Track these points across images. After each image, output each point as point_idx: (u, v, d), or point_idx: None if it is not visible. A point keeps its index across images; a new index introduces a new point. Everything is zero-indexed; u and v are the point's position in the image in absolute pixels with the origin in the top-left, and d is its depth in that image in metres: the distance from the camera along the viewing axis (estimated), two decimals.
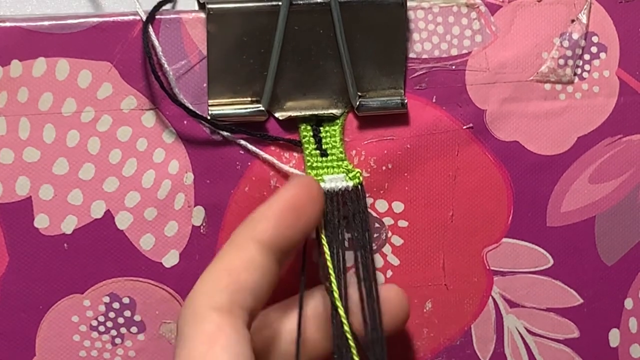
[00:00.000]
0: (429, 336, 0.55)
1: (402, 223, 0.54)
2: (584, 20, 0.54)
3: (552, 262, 0.56)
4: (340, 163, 0.52)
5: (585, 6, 0.54)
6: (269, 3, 0.50)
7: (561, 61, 0.54)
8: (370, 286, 0.50)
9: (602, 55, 0.55)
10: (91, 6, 0.52)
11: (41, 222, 0.50)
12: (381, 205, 0.54)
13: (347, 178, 0.52)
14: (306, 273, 0.52)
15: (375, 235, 0.54)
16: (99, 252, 0.51)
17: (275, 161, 0.52)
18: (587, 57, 0.55)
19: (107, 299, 0.51)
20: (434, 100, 0.53)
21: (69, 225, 0.50)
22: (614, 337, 0.57)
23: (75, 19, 0.49)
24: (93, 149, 0.50)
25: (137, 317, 0.52)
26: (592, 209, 0.56)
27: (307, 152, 0.52)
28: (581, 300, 0.56)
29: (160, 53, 0.50)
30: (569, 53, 0.54)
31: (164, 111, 0.51)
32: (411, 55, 0.53)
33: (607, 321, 0.57)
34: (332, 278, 0.49)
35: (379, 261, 0.54)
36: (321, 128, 0.52)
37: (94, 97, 0.50)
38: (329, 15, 0.51)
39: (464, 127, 0.54)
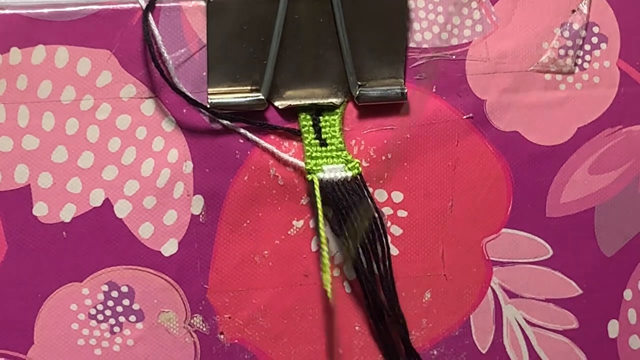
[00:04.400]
0: (428, 326, 0.55)
1: (402, 213, 0.54)
2: (585, 11, 0.54)
3: (551, 252, 0.56)
4: (339, 153, 0.52)
5: None
6: None
7: (562, 51, 0.54)
8: (386, 270, 0.52)
9: (603, 45, 0.55)
10: None
11: (40, 210, 0.50)
12: (380, 195, 0.54)
13: (346, 168, 0.52)
14: (305, 261, 0.53)
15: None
16: (97, 240, 0.51)
17: (275, 150, 0.52)
18: (587, 47, 0.55)
19: (105, 288, 0.51)
20: (434, 90, 0.53)
21: (67, 213, 0.50)
22: (613, 328, 0.57)
23: (74, 7, 0.49)
24: (92, 137, 0.50)
25: (135, 306, 0.52)
26: (591, 200, 0.56)
27: (306, 141, 0.52)
28: (580, 291, 0.56)
29: (160, 41, 0.49)
30: (569, 43, 0.54)
31: (164, 100, 0.50)
32: (411, 44, 0.53)
33: (606, 312, 0.57)
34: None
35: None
36: (321, 117, 0.52)
37: (94, 85, 0.50)
38: (329, 4, 0.51)
39: (464, 117, 0.54)
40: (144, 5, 0.49)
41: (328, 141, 0.52)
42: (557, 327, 0.56)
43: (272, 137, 0.52)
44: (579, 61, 0.55)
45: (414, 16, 0.53)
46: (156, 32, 0.49)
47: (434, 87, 0.53)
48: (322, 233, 0.50)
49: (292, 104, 0.52)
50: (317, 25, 0.51)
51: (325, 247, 0.50)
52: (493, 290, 0.56)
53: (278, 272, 0.53)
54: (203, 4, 0.50)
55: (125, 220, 0.51)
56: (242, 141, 0.52)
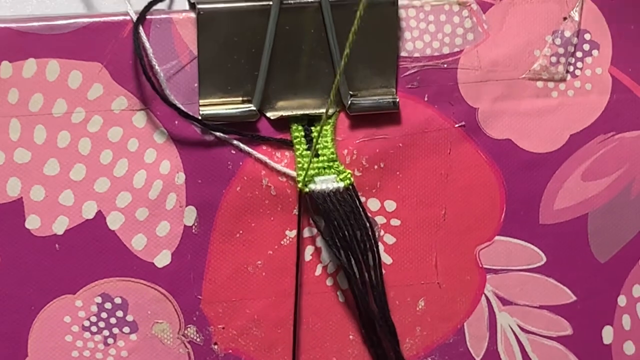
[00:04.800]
0: (422, 334, 0.55)
1: (395, 222, 0.54)
2: (576, 18, 0.54)
3: (545, 259, 0.56)
4: (331, 164, 0.52)
5: (578, 3, 0.54)
6: (260, 3, 0.50)
7: (553, 59, 0.54)
8: (377, 280, 0.52)
9: (595, 52, 0.55)
10: (88, 8, 0.52)
11: (32, 223, 0.50)
12: (373, 204, 0.54)
13: (338, 179, 0.52)
14: (299, 271, 0.53)
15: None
16: (90, 252, 0.51)
17: (267, 160, 0.52)
18: (579, 54, 0.55)
19: (99, 299, 0.51)
20: (425, 99, 0.53)
21: (60, 226, 0.50)
22: (607, 334, 0.57)
23: (65, 20, 0.49)
24: (84, 149, 0.50)
25: (129, 317, 0.52)
26: (584, 207, 0.56)
27: (297, 153, 0.52)
28: (574, 298, 0.56)
29: (151, 53, 0.49)
30: (561, 51, 0.54)
31: (155, 111, 0.50)
32: (403, 54, 0.53)
33: (601, 318, 0.57)
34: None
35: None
36: (312, 128, 0.52)
37: (85, 98, 0.50)
38: (320, 14, 0.50)
39: (456, 125, 0.54)
40: (134, 17, 0.49)
41: (320, 152, 0.52)
42: (551, 333, 0.56)
43: (264, 147, 0.52)
44: (571, 68, 0.55)
45: (405, 25, 0.52)
46: (147, 44, 0.49)
47: (426, 95, 0.53)
48: None
49: (284, 114, 0.52)
50: (308, 36, 0.51)
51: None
52: (487, 298, 0.56)
53: (271, 282, 0.53)
54: (194, 15, 0.50)
55: (118, 232, 0.51)
56: (234, 152, 0.52)
